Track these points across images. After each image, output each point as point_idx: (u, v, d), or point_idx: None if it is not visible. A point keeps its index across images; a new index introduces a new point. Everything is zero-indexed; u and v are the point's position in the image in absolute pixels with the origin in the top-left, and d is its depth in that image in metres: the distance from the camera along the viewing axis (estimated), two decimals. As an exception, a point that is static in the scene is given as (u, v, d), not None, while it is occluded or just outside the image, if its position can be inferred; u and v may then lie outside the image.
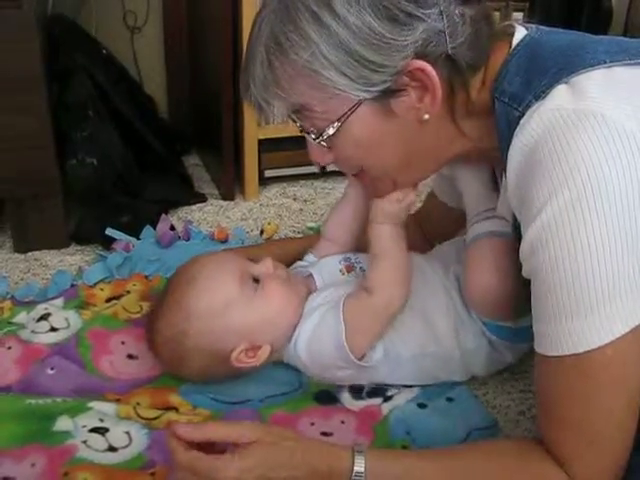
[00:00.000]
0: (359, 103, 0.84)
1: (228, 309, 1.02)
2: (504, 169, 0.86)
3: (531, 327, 0.84)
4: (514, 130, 0.82)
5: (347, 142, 0.88)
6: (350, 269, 1.12)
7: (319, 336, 1.02)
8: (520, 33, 0.89)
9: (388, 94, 0.83)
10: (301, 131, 0.92)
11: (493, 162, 1.00)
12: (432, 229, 1.28)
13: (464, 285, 1.05)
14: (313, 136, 0.90)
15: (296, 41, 0.81)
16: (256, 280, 1.05)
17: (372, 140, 0.88)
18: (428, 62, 0.82)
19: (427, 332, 1.05)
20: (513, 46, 0.88)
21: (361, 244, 1.15)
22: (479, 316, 1.05)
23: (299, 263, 1.18)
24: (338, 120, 0.86)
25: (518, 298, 0.95)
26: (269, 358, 1.05)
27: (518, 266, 0.85)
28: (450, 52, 0.82)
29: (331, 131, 0.87)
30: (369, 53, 0.80)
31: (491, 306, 1.01)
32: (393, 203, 1.01)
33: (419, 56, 0.81)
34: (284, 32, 0.82)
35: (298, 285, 1.08)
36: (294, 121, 0.91)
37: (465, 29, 0.83)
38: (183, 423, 0.84)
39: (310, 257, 1.18)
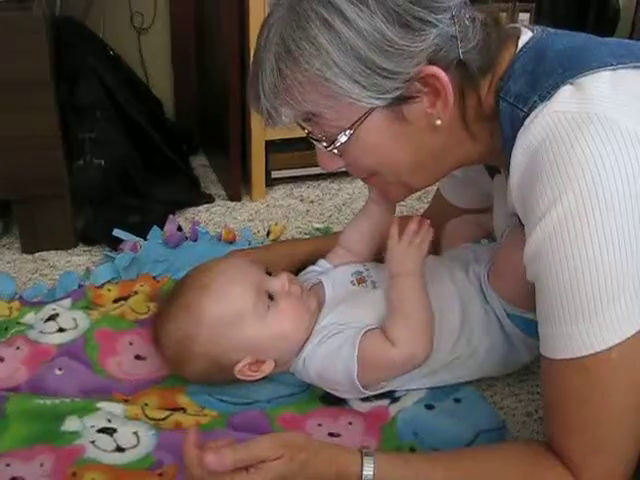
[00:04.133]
0: (371, 110, 0.83)
1: (240, 322, 1.01)
2: (507, 169, 0.85)
3: None
4: (518, 130, 0.82)
5: (359, 148, 0.88)
6: (361, 281, 1.10)
7: (331, 367, 1.01)
8: (526, 35, 0.88)
9: (401, 100, 0.82)
10: (307, 134, 0.91)
11: (502, 163, 0.99)
12: (438, 231, 1.27)
13: (494, 264, 1.04)
14: (325, 144, 0.88)
15: (307, 49, 0.80)
16: (270, 296, 1.04)
17: (384, 145, 0.87)
18: (440, 68, 0.81)
19: (437, 334, 1.03)
20: (519, 48, 0.87)
21: (378, 256, 1.15)
22: (504, 304, 1.03)
23: (312, 268, 1.17)
24: (350, 128, 0.85)
25: None
26: (271, 372, 1.05)
27: None
28: (462, 57, 0.82)
29: (343, 139, 0.86)
30: (381, 60, 0.79)
31: (518, 286, 0.97)
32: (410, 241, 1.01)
33: (431, 62, 0.80)
34: (294, 39, 0.80)
35: (310, 301, 1.07)
36: (302, 128, 0.90)
37: (475, 33, 0.82)
38: (209, 454, 0.79)
39: (324, 263, 1.17)
